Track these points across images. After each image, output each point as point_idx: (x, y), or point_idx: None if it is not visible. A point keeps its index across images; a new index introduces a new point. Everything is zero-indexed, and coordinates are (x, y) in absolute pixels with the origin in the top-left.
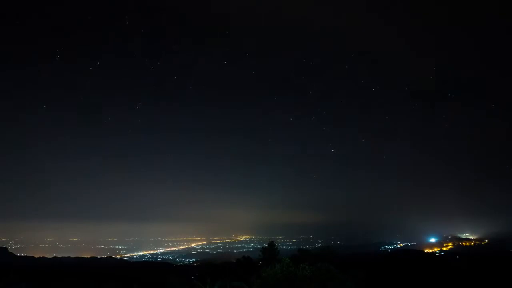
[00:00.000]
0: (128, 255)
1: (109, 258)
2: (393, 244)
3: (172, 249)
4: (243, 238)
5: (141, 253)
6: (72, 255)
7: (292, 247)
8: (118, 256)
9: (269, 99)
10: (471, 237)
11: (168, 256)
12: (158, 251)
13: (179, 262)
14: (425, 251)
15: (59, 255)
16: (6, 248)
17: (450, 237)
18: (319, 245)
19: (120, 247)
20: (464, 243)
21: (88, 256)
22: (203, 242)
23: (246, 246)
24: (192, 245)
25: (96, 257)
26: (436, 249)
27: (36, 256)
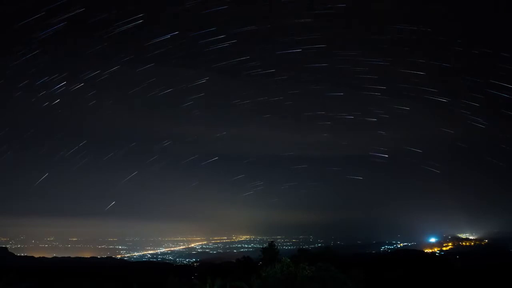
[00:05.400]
0: (128, 255)
1: (109, 258)
2: (393, 244)
3: (172, 249)
4: (243, 238)
5: (141, 253)
6: (72, 255)
7: (292, 247)
8: (118, 256)
9: None
10: (471, 237)
11: (168, 256)
12: (158, 251)
13: (179, 262)
14: (425, 251)
15: (59, 255)
16: (6, 248)
17: (450, 237)
18: (319, 245)
19: (120, 247)
20: (464, 243)
21: (88, 256)
22: (203, 242)
23: (246, 246)
24: (192, 245)
25: (96, 257)
26: (436, 249)
27: (36, 256)
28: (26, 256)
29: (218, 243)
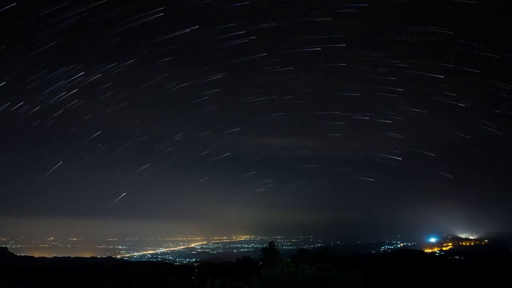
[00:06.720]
0: (128, 255)
1: (109, 258)
2: (393, 244)
3: (172, 249)
4: (243, 238)
5: (141, 253)
6: (72, 255)
7: (292, 247)
8: (118, 256)
9: None
10: (471, 237)
11: (168, 256)
12: (158, 251)
13: (179, 262)
14: (425, 251)
15: (59, 255)
16: (6, 248)
17: (450, 237)
18: (319, 245)
19: (120, 247)
20: (464, 243)
21: (88, 256)
22: (203, 242)
23: (246, 246)
24: (192, 245)
25: (96, 257)
26: (436, 249)
27: (36, 256)
28: (26, 256)
29: (218, 243)
